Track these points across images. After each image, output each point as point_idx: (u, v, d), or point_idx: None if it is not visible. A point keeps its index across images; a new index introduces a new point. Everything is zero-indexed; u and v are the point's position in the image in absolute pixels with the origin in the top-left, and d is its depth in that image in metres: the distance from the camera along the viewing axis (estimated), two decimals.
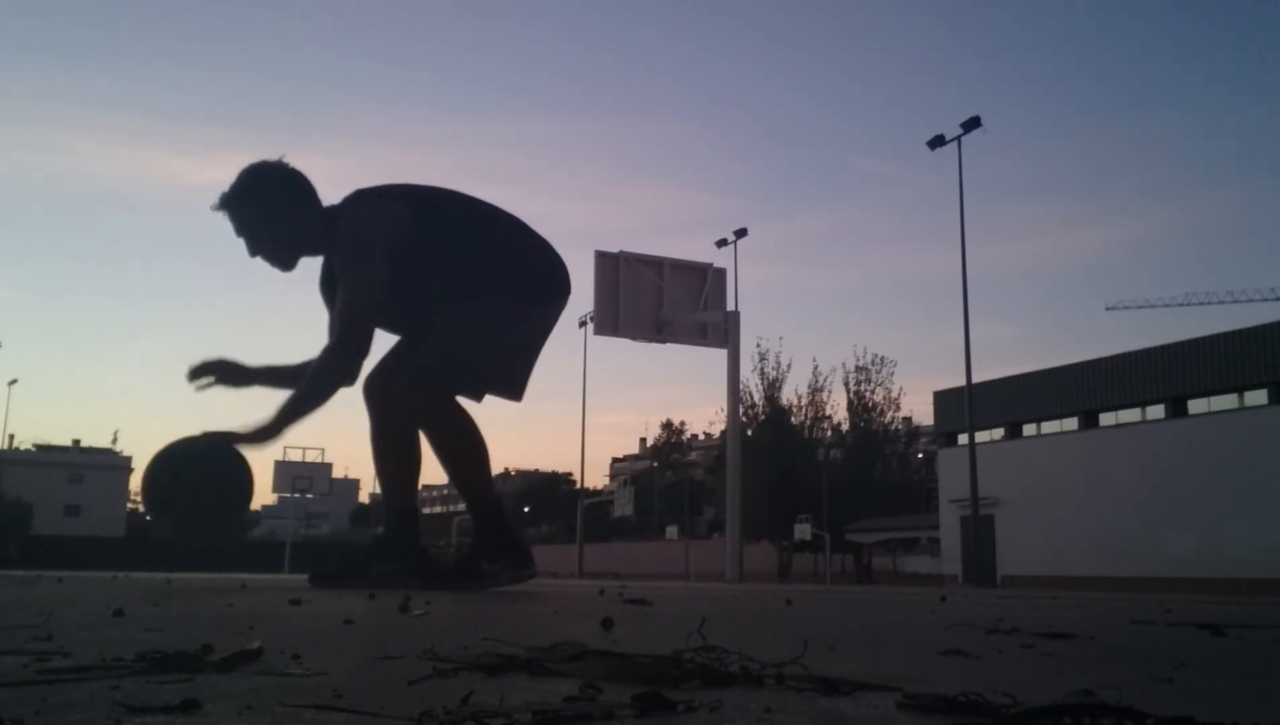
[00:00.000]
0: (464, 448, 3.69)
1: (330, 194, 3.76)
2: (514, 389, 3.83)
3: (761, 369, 42.19)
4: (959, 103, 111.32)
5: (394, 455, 3.79)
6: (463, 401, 3.74)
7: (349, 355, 3.60)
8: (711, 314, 17.83)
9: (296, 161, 3.69)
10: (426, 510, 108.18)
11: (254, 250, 3.60)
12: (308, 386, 3.56)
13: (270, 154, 3.68)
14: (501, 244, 3.73)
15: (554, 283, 3.81)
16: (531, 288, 3.75)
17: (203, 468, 3.45)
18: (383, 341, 3.82)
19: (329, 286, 3.75)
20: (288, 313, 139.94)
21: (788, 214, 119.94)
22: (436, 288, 3.64)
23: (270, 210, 3.59)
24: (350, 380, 3.66)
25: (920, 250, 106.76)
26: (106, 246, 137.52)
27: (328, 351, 3.60)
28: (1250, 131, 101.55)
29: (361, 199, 3.67)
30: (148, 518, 3.64)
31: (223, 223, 3.61)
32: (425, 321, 3.68)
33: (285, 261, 3.67)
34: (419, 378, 3.59)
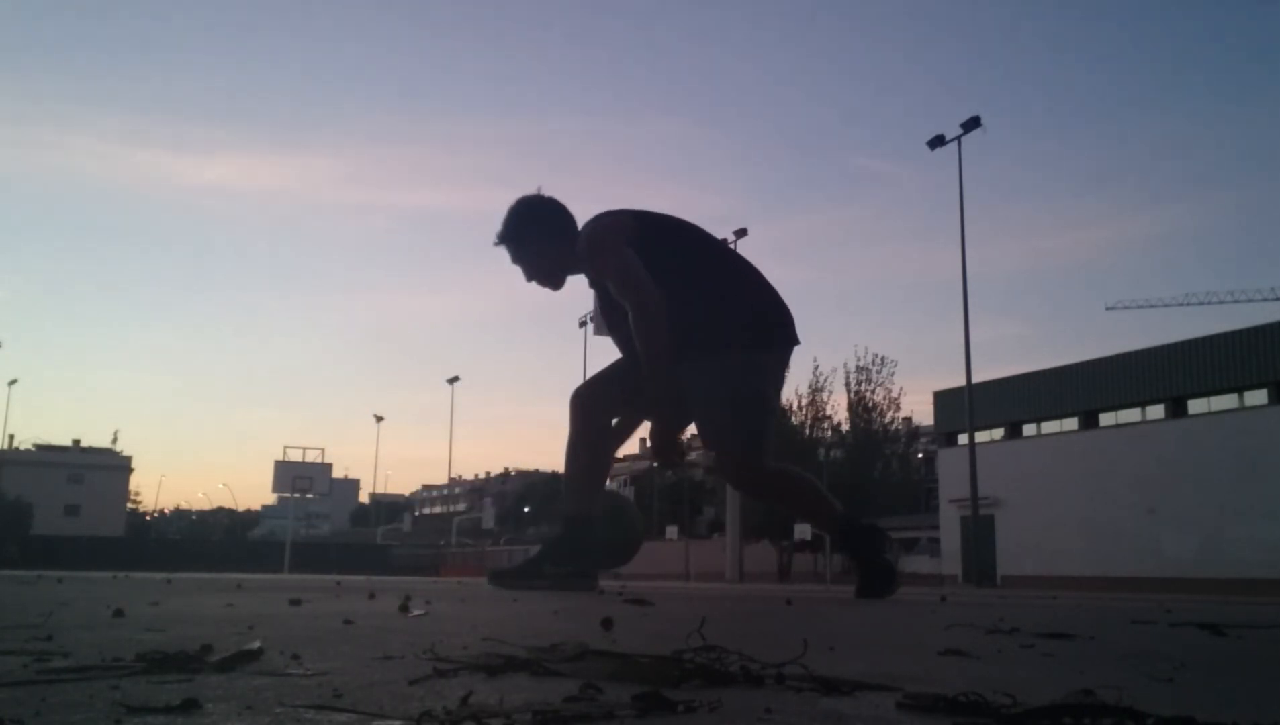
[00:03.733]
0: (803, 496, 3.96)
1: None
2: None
3: None
4: (959, 103, 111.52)
5: (585, 465, 3.99)
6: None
7: (656, 318, 3.63)
8: None
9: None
10: (426, 510, 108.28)
11: (529, 277, 4.01)
12: (657, 370, 3.67)
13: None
14: (733, 284, 3.78)
15: (785, 331, 3.80)
16: (764, 335, 3.75)
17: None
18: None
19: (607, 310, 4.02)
20: (286, 312, 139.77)
21: (788, 214, 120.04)
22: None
23: (539, 241, 3.96)
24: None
25: (920, 250, 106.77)
26: (106, 246, 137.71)
27: (635, 324, 3.67)
28: (1250, 131, 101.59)
29: (598, 215, 3.95)
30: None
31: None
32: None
33: (555, 283, 4.06)
34: (727, 460, 3.72)
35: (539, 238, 3.96)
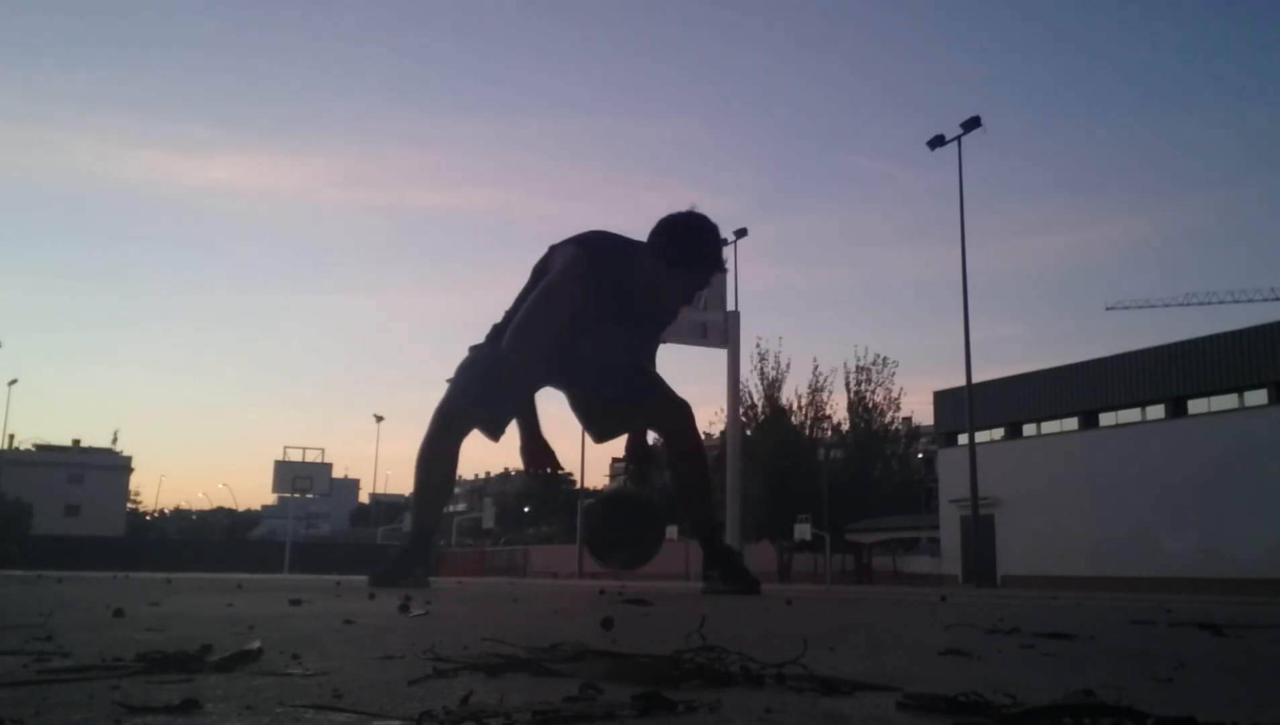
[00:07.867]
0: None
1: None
2: None
3: (761, 369, 42.10)
4: (959, 103, 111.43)
5: (442, 480, 4.36)
6: None
7: None
8: (711, 314, 17.77)
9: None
10: None
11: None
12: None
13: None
14: None
15: None
16: None
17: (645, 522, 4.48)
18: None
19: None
20: (286, 313, 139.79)
21: (788, 214, 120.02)
22: None
23: None
24: None
25: (920, 250, 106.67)
26: (107, 246, 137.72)
27: None
28: (1251, 131, 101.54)
29: None
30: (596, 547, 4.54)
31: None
32: None
33: None
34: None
35: None
